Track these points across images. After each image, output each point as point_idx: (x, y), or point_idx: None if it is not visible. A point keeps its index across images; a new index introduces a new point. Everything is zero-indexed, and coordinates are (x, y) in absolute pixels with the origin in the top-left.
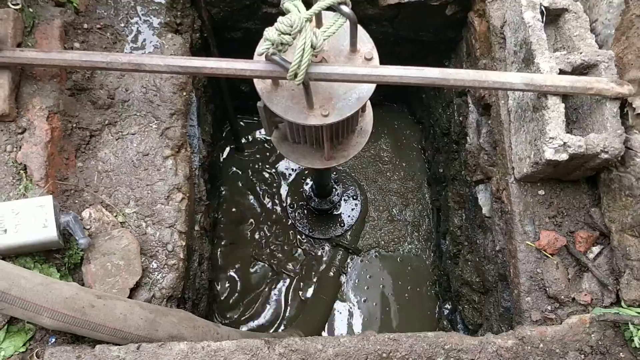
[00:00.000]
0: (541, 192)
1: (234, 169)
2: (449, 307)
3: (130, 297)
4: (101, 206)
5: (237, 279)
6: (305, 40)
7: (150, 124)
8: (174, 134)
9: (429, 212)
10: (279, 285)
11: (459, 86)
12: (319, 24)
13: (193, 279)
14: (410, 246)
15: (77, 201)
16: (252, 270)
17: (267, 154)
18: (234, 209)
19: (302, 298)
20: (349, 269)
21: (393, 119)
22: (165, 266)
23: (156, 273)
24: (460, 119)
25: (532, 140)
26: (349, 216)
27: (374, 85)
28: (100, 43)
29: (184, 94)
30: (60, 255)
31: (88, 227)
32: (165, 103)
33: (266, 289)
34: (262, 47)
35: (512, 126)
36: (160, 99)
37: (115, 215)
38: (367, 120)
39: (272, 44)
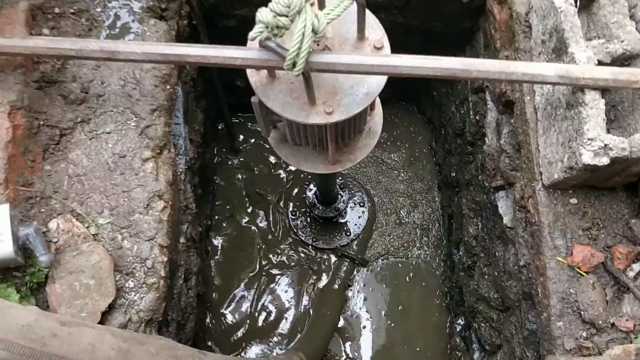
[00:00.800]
0: (573, 200)
1: (229, 171)
2: (462, 322)
3: (101, 322)
4: (71, 216)
5: (232, 293)
6: (306, 23)
7: (129, 122)
8: (156, 133)
9: (439, 216)
10: (277, 299)
11: (482, 78)
12: (321, 5)
13: (178, 297)
14: (419, 252)
15: (43, 210)
16: (249, 282)
17: (266, 154)
18: (228, 216)
19: (304, 313)
20: (355, 281)
21: (401, 118)
22: (144, 285)
23: (133, 293)
24: (477, 117)
25: (566, 142)
26: (355, 224)
27: (384, 78)
28: (73, 30)
29: (168, 87)
30: (20, 274)
31: (55, 239)
32: (145, 98)
33: (264, 303)
34: (254, 30)
35: (539, 125)
36: (140, 93)
37: (87, 227)
38: (376, 119)
39: (266, 27)
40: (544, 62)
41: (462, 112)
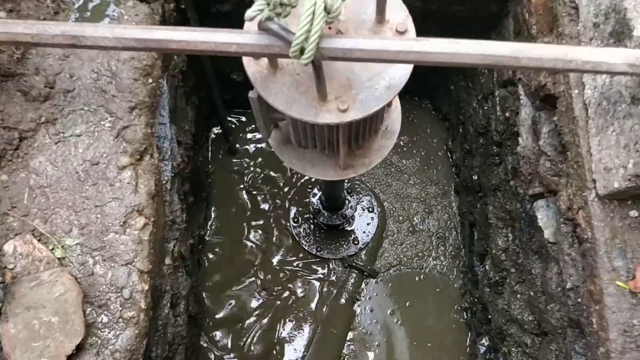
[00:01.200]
0: (633, 213)
1: (225, 176)
2: (486, 343)
3: None
4: (32, 236)
5: (228, 309)
6: (316, 1)
7: (102, 122)
8: (135, 135)
9: (456, 224)
10: (278, 315)
11: (532, 67)
12: None
13: (163, 329)
14: (435, 262)
15: None
16: (246, 296)
17: (266, 157)
18: (224, 224)
19: (309, 331)
20: (363, 295)
21: (413, 115)
22: (120, 320)
23: (107, 330)
24: (507, 114)
25: (630, 144)
26: (364, 232)
27: (409, 69)
28: (36, 13)
29: (150, 81)
30: None
31: (12, 266)
32: (123, 93)
33: (263, 320)
34: (253, 8)
35: (591, 124)
36: (116, 87)
37: (52, 249)
38: (394, 117)
39: (268, 5)
40: (607, 48)
41: (486, 108)
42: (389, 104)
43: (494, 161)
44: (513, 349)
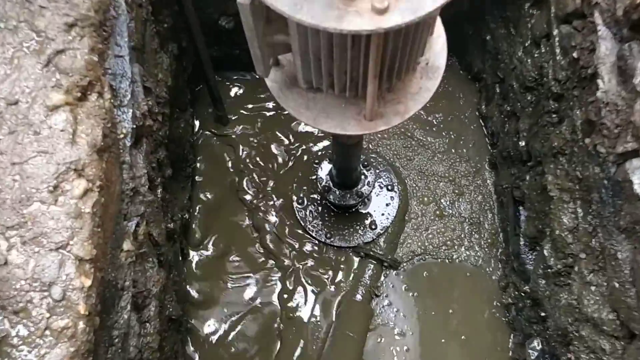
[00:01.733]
0: None
1: (214, 148)
2: (538, 347)
3: None
4: None
5: (220, 310)
6: None
7: (25, 44)
8: (73, 64)
9: (493, 205)
10: (282, 317)
11: None
12: None
13: (122, 342)
14: (468, 252)
15: None
16: (241, 293)
17: (264, 126)
18: (214, 207)
19: (319, 335)
20: (382, 290)
21: None
22: (47, 332)
23: (25, 349)
24: (574, 56)
25: None
26: (382, 215)
27: None
28: None
29: None
30: None
31: None
32: (56, 3)
33: (262, 323)
34: None
35: None
36: None
37: None
38: (438, 49)
39: None
40: None
41: (538, 55)
42: (430, 31)
43: (551, 120)
44: (583, 356)
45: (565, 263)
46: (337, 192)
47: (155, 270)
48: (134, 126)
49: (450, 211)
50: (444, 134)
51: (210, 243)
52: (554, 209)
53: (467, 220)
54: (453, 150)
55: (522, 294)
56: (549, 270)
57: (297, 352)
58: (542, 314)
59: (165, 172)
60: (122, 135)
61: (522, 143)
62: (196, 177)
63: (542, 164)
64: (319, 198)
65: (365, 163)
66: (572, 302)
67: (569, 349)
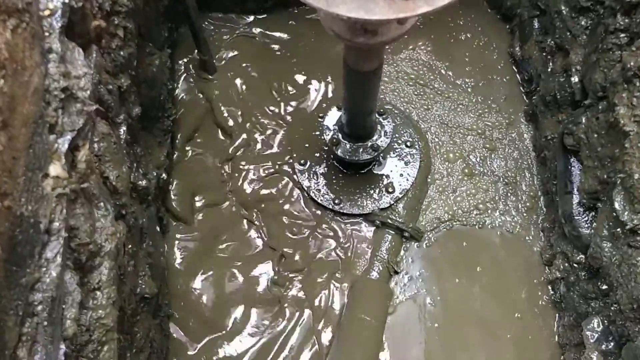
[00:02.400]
0: None
1: (199, 101)
2: (597, 327)
3: None
4: None
5: (202, 287)
6: None
7: None
8: None
9: (532, 162)
10: (282, 300)
11: None
12: None
13: (48, 309)
14: (503, 217)
15: None
16: (227, 272)
17: (259, 73)
18: (199, 169)
19: (329, 320)
20: (403, 265)
21: (459, 16)
22: None
23: None
24: None
25: None
26: (401, 175)
27: None
28: None
29: None
30: None
31: None
32: None
33: (259, 308)
34: None
35: None
36: None
37: None
38: None
39: None
40: None
41: None
42: None
43: (619, 41)
44: None
45: None
46: (348, 146)
47: (110, 220)
48: (66, 2)
49: (481, 169)
50: (468, 82)
51: (195, 218)
52: (630, 147)
53: (501, 179)
54: (481, 101)
55: (576, 265)
56: (619, 229)
57: (306, 337)
58: (604, 287)
59: (132, 109)
60: (46, 11)
61: (575, 78)
62: (177, 133)
63: (607, 98)
64: (325, 156)
65: (381, 110)
66: None
67: None
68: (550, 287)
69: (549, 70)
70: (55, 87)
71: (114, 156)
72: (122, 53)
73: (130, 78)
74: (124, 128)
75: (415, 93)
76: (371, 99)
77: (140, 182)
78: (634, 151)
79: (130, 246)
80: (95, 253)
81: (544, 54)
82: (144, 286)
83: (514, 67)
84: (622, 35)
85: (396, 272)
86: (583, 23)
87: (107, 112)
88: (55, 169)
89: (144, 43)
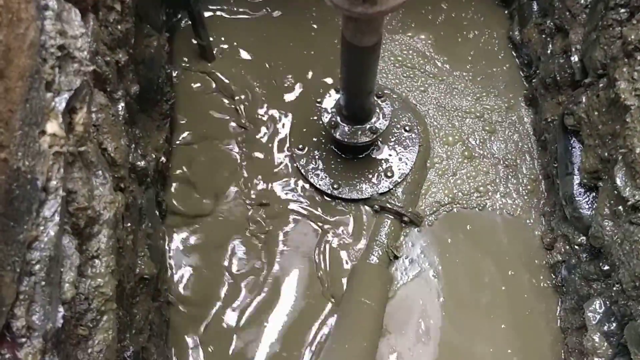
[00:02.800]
0: None
1: (198, 88)
2: (599, 308)
3: None
4: None
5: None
6: None
7: None
8: None
9: (532, 146)
10: (281, 286)
11: None
12: None
13: (46, 268)
14: (504, 200)
15: None
16: (232, 261)
17: (259, 59)
18: (196, 156)
19: (326, 306)
20: (403, 250)
21: (460, 5)
22: None
23: None
24: None
25: None
26: (400, 159)
27: None
28: None
29: None
30: None
31: None
32: None
33: (258, 294)
34: None
35: None
36: None
37: None
38: None
39: None
40: None
41: None
42: None
43: (619, 16)
44: None
45: None
46: (346, 129)
47: (108, 188)
48: None
49: (481, 151)
50: (466, 67)
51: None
52: (631, 122)
53: (501, 161)
54: (478, 82)
55: (577, 247)
56: (620, 206)
57: (305, 321)
58: (606, 268)
59: (130, 87)
60: None
61: (575, 58)
62: (176, 119)
63: (608, 75)
64: (323, 140)
65: (379, 93)
66: None
67: None
68: (551, 272)
69: (549, 52)
70: (51, 45)
71: (112, 128)
72: (119, 27)
73: (128, 55)
74: (122, 104)
75: (404, 75)
76: (370, 78)
77: (139, 162)
78: (636, 125)
79: (129, 224)
80: (94, 219)
81: (544, 36)
82: (143, 266)
83: (513, 52)
84: (622, 10)
85: (396, 257)
86: (582, 2)
87: (104, 84)
88: (52, 126)
89: (142, 25)
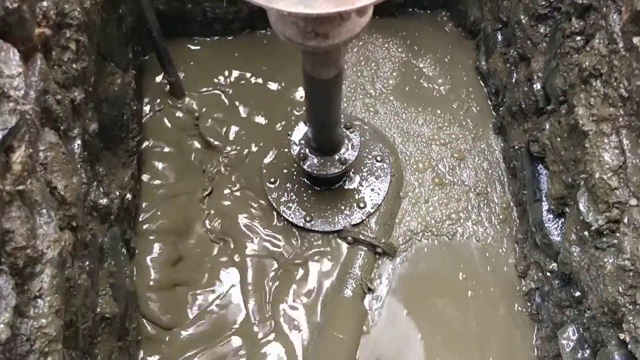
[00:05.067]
0: None
1: (166, 124)
2: (572, 335)
3: None
4: None
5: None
6: None
7: None
8: None
9: (502, 174)
10: (255, 320)
11: None
12: None
13: None
14: (475, 227)
15: None
16: (199, 294)
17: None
18: (165, 192)
19: (302, 343)
20: (377, 282)
21: (425, 35)
22: None
23: None
24: None
25: None
26: (372, 190)
27: None
28: None
29: None
30: None
31: None
32: None
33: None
34: None
35: None
36: None
37: None
38: None
39: None
40: None
41: None
42: None
43: (575, 44)
44: None
45: (608, 217)
46: (315, 160)
47: (53, 227)
48: None
49: (451, 178)
50: (437, 97)
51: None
52: (590, 147)
53: (472, 189)
54: (447, 112)
55: (549, 274)
56: (585, 232)
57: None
58: (577, 294)
59: (89, 125)
60: None
61: (538, 86)
62: (144, 156)
63: (567, 101)
64: (294, 173)
65: (348, 124)
66: (623, 263)
67: (620, 328)
68: (527, 300)
69: (514, 80)
70: None
71: (63, 166)
72: (74, 66)
73: (86, 93)
74: (79, 142)
75: (393, 110)
76: (334, 109)
77: (101, 200)
78: (594, 150)
79: (87, 263)
80: (35, 259)
81: (508, 65)
82: (104, 305)
83: (481, 82)
84: (578, 38)
85: (370, 290)
86: (542, 30)
87: (56, 123)
88: None
89: (105, 62)
